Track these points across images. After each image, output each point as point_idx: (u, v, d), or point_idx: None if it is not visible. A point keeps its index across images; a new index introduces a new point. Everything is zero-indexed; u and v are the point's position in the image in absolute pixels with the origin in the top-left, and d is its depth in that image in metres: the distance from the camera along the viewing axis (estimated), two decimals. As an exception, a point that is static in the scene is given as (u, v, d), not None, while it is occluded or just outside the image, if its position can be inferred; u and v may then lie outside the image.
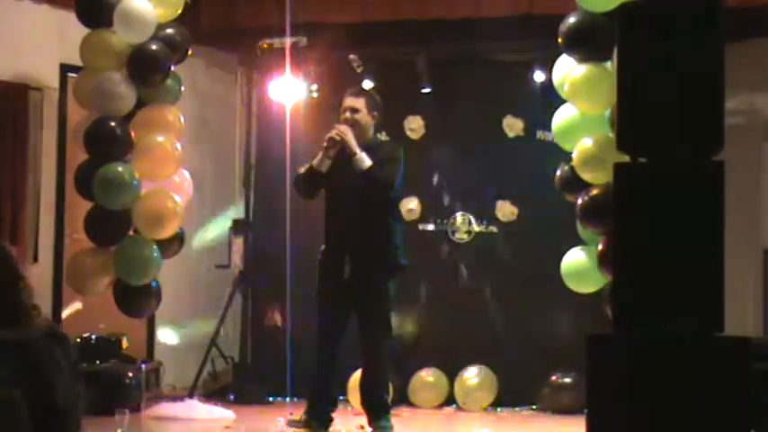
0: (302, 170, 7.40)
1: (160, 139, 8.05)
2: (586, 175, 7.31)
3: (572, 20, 7.35)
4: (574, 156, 7.37)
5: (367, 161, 7.06)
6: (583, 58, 7.35)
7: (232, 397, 9.24)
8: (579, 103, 7.43)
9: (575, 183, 7.56)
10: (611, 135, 7.16)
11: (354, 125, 7.23)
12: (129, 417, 7.04)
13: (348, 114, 7.26)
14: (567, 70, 7.53)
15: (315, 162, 7.22)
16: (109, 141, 7.97)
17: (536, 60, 9.04)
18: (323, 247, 7.28)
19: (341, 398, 8.33)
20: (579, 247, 7.73)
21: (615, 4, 6.49)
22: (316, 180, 7.25)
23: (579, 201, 7.41)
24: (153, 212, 8.06)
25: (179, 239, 8.32)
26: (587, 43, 7.27)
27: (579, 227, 7.71)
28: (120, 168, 7.93)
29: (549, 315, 9.08)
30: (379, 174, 7.11)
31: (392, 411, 7.42)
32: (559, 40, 7.41)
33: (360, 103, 7.30)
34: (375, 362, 7.20)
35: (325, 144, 7.17)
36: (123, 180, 7.93)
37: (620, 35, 4.41)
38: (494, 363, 9.18)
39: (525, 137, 9.40)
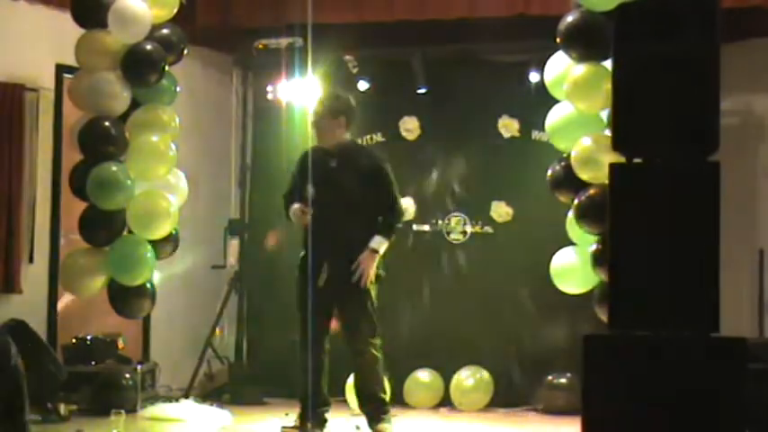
0: (286, 194, 7.43)
1: (154, 139, 8.05)
2: (584, 175, 7.31)
3: (570, 19, 7.34)
4: (573, 155, 7.37)
5: (385, 241, 7.14)
6: (581, 57, 7.34)
7: (228, 398, 9.23)
8: (578, 103, 7.43)
9: (567, 182, 7.57)
10: (609, 134, 7.18)
11: (322, 136, 7.26)
12: (125, 417, 7.03)
13: (311, 128, 7.32)
14: (566, 69, 7.54)
15: (292, 218, 7.28)
16: (103, 141, 7.98)
17: (532, 61, 9.03)
18: (302, 252, 7.28)
19: (341, 399, 8.34)
20: (569, 248, 7.74)
21: (617, 3, 6.50)
22: None
23: (576, 200, 7.41)
24: (146, 213, 8.05)
25: (174, 240, 8.32)
26: (586, 42, 7.26)
27: (569, 227, 7.71)
28: (113, 168, 7.93)
29: (544, 315, 9.07)
30: (397, 223, 7.32)
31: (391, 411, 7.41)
32: (557, 39, 7.41)
33: (318, 109, 7.29)
34: (365, 363, 7.19)
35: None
36: (117, 180, 7.93)
37: (616, 35, 4.41)
38: (489, 363, 9.18)
39: (521, 137, 9.40)
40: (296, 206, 7.17)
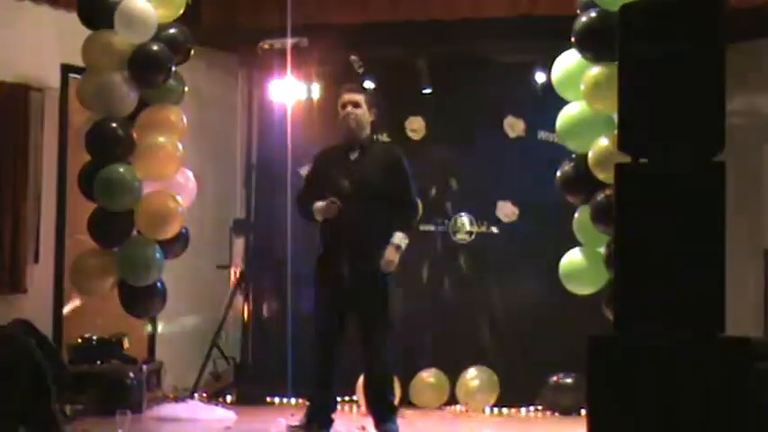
0: (303, 196, 7.39)
1: (162, 139, 8.05)
2: (601, 175, 7.28)
3: (584, 18, 7.31)
4: (590, 155, 7.34)
5: (406, 237, 7.16)
6: (596, 57, 7.31)
7: (233, 397, 9.24)
8: (595, 103, 7.39)
9: (577, 182, 7.55)
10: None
11: (356, 121, 7.22)
12: (131, 417, 7.03)
13: (350, 108, 7.24)
14: (573, 68, 7.52)
15: (318, 215, 7.19)
16: (111, 142, 7.98)
17: (537, 60, 9.04)
18: (320, 251, 7.26)
19: (347, 398, 8.34)
20: (578, 248, 7.73)
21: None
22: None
23: (592, 201, 7.38)
24: (155, 213, 8.06)
25: (183, 240, 8.32)
26: (601, 42, 7.20)
27: (576, 227, 7.70)
28: (121, 169, 7.94)
29: (550, 315, 9.06)
30: (415, 219, 7.39)
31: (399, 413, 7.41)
32: (572, 38, 7.38)
33: (360, 98, 7.28)
34: (377, 363, 7.18)
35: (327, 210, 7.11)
36: (124, 181, 7.94)
37: (621, 35, 4.41)
38: (495, 363, 9.18)
39: (526, 137, 9.41)
40: (320, 203, 7.13)
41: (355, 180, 7.09)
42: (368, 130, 7.33)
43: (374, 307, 7.12)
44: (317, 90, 9.61)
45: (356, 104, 7.24)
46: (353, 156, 7.23)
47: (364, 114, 7.25)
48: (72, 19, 8.19)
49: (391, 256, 7.08)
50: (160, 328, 9.44)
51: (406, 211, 7.25)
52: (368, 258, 7.07)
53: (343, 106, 7.27)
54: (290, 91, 9.54)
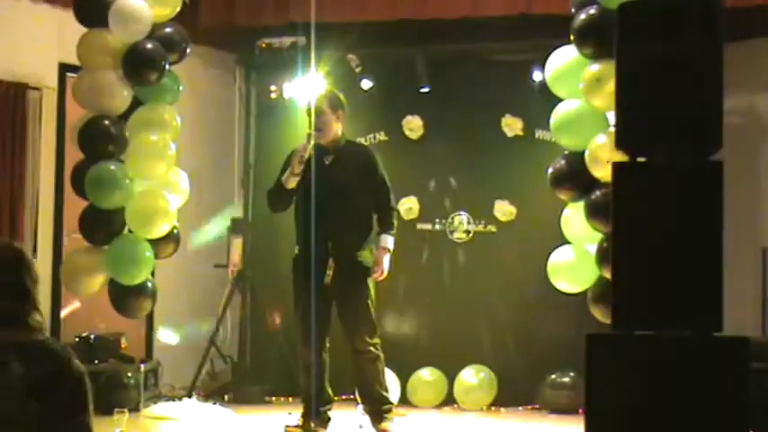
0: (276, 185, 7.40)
1: (153, 137, 8.03)
2: (598, 173, 7.28)
3: (583, 16, 7.29)
4: (587, 153, 7.34)
5: (392, 238, 7.20)
6: (595, 55, 7.30)
7: (231, 397, 9.24)
8: (593, 100, 7.38)
9: (569, 179, 7.54)
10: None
11: (324, 130, 7.23)
12: (128, 417, 7.02)
13: (315, 120, 7.25)
14: (567, 66, 7.50)
15: (285, 180, 7.21)
16: (103, 140, 7.96)
17: (535, 60, 9.01)
18: (296, 249, 7.27)
19: (345, 397, 8.33)
20: (567, 246, 7.72)
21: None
22: (287, 195, 7.28)
23: (588, 198, 7.37)
24: (145, 212, 8.03)
25: (174, 240, 8.29)
26: (600, 39, 7.19)
27: (564, 225, 7.68)
28: (111, 167, 7.92)
29: (547, 314, 9.07)
30: (396, 217, 7.38)
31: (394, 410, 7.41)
32: (571, 36, 7.36)
33: (322, 105, 7.30)
34: (366, 361, 7.19)
35: (297, 161, 7.13)
36: (115, 179, 7.91)
37: (619, 33, 4.40)
38: (493, 362, 9.18)
39: (524, 136, 9.41)
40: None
41: (330, 185, 7.11)
42: (337, 133, 7.33)
43: (356, 307, 7.14)
44: (315, 89, 9.60)
45: (318, 113, 7.26)
46: (328, 160, 7.24)
47: (327, 120, 7.27)
48: (70, 18, 8.17)
49: (385, 262, 7.14)
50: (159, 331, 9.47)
51: (387, 212, 7.29)
52: (348, 258, 7.10)
53: (311, 117, 7.32)
54: (287, 90, 9.54)
